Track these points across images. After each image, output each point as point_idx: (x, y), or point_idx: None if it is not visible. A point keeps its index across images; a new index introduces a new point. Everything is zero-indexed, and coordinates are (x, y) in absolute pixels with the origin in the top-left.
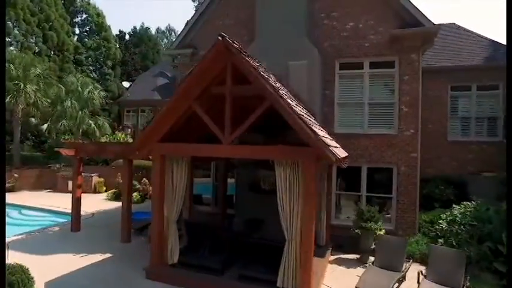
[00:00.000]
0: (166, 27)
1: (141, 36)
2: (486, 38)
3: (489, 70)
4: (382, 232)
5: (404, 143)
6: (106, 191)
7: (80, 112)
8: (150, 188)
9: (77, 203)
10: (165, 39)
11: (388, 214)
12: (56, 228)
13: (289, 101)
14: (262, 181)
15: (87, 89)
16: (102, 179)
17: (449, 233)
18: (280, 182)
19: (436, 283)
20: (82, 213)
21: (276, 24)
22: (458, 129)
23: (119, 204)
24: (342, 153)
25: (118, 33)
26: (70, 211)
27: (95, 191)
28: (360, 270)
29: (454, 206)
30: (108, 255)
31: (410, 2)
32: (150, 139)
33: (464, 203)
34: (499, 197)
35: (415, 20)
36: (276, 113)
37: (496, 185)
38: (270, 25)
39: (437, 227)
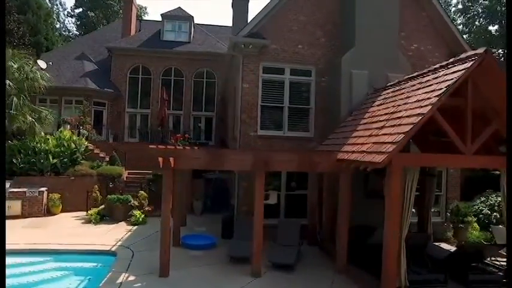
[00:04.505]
0: None
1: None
2: None
3: None
4: (475, 225)
5: None
6: (63, 211)
7: (15, 99)
8: (145, 203)
9: (168, 234)
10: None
11: (436, 209)
12: (123, 277)
13: None
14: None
15: (16, 65)
16: (57, 195)
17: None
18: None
19: None
20: (90, 247)
21: (373, 33)
22: None
23: (114, 228)
24: None
25: None
26: (60, 247)
27: (47, 212)
28: None
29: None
30: None
31: (461, 35)
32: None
33: (494, 193)
34: None
35: (462, 50)
36: None
37: None
38: (369, 34)
39: (481, 215)
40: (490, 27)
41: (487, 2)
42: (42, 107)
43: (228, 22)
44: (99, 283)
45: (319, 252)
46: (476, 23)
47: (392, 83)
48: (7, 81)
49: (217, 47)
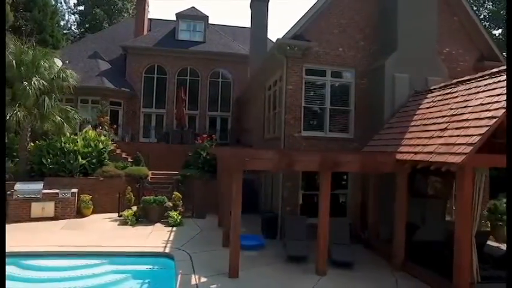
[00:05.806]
0: None
1: None
2: None
3: None
4: None
5: None
6: (93, 212)
7: (47, 99)
8: (180, 204)
9: (238, 237)
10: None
11: None
12: (195, 279)
13: None
14: (430, 186)
15: (47, 64)
16: (88, 197)
17: None
18: None
19: None
20: (143, 249)
21: (414, 37)
22: None
23: (153, 229)
24: None
25: None
26: (114, 249)
27: (77, 213)
28: None
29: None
30: None
31: (492, 40)
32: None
33: None
34: None
35: (493, 55)
36: None
37: None
38: (410, 38)
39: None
40: (494, 32)
41: (492, 7)
42: (69, 107)
43: (230, 22)
44: (161, 285)
45: (365, 250)
46: None
47: (437, 87)
48: (41, 81)
49: (232, 47)
